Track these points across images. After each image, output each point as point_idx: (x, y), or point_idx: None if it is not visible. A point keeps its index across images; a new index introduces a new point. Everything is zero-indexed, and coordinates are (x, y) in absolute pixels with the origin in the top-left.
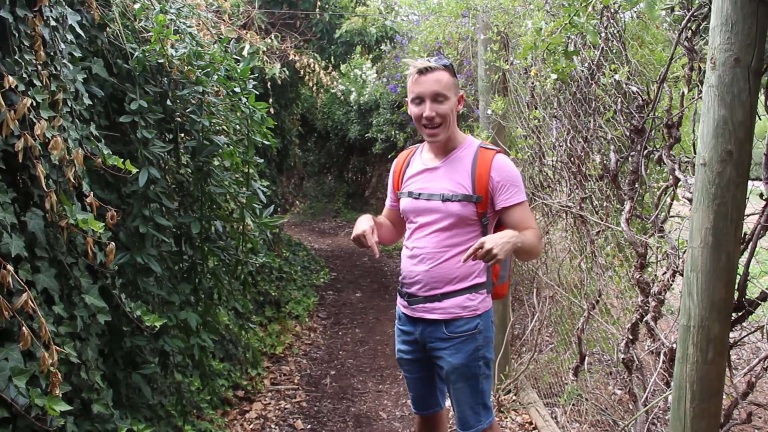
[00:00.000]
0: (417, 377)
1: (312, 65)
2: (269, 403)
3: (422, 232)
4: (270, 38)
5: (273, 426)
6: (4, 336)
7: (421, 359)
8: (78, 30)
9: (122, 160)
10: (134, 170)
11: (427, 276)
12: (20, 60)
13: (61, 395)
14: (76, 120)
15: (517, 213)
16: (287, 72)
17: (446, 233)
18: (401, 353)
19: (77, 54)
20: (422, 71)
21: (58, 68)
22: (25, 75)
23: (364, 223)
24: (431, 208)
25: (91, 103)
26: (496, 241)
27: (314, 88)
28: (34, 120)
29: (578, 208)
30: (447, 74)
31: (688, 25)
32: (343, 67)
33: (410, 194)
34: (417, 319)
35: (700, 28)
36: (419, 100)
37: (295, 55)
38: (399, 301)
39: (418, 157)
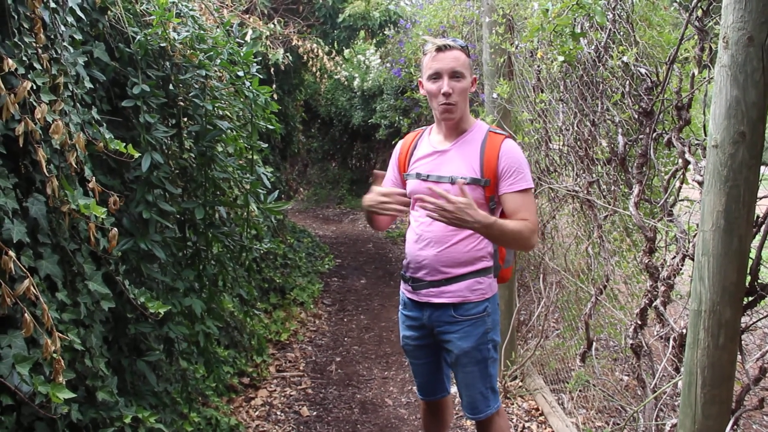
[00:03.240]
0: (423, 363)
1: (315, 50)
2: (275, 390)
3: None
4: (273, 23)
5: (279, 413)
6: (7, 323)
7: (427, 345)
8: (79, 13)
9: (124, 144)
10: (137, 155)
11: (434, 260)
12: (20, 43)
13: (64, 382)
14: (78, 104)
15: (514, 201)
16: (290, 57)
17: None
18: (407, 339)
19: (78, 37)
20: (441, 48)
21: (59, 51)
22: (24, 58)
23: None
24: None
25: (92, 87)
26: (463, 209)
27: (317, 73)
28: (35, 104)
29: (585, 192)
30: (464, 54)
31: (699, 4)
32: (346, 52)
33: (418, 176)
34: (424, 303)
35: (711, 7)
36: (437, 76)
37: (298, 41)
38: (403, 286)
39: (426, 139)
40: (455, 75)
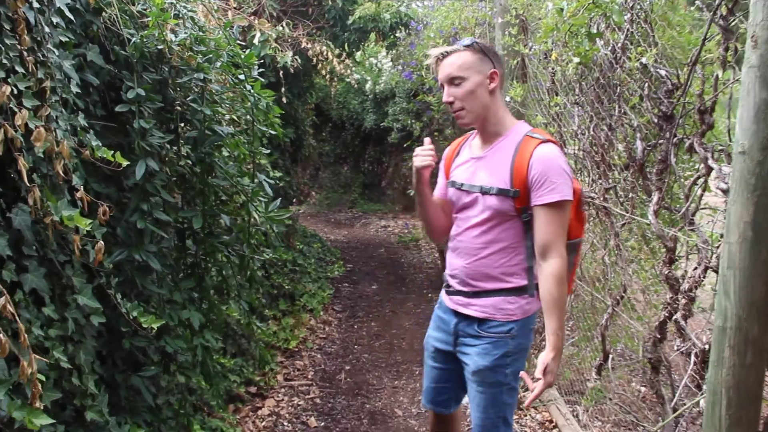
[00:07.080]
0: (437, 367)
1: (325, 53)
2: (282, 400)
3: (463, 225)
4: (281, 26)
5: (286, 423)
6: None
7: (448, 352)
8: (68, 14)
9: (113, 152)
10: (125, 163)
11: (463, 271)
12: (0, 45)
13: (44, 406)
14: (63, 110)
15: (543, 218)
16: (300, 60)
17: (483, 227)
18: (431, 339)
19: (65, 38)
20: (439, 57)
21: (46, 54)
22: (5, 61)
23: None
24: (471, 200)
25: (79, 90)
26: (552, 365)
27: (328, 76)
28: (15, 109)
29: (602, 199)
30: (467, 54)
31: (723, 2)
32: (358, 55)
33: (453, 184)
34: (454, 310)
35: (736, 6)
36: (442, 86)
37: (307, 43)
38: (443, 286)
39: (469, 144)
40: (453, 81)
